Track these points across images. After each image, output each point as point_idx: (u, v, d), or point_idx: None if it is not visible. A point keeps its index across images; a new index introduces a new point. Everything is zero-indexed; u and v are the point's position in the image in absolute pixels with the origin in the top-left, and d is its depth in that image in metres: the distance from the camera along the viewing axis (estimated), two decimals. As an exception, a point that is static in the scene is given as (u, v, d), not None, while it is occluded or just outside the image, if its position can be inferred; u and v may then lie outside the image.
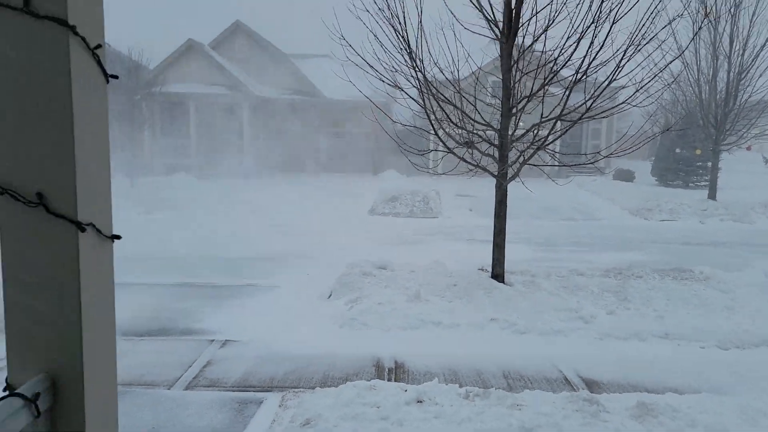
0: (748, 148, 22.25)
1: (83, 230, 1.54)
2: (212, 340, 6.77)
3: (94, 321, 1.63)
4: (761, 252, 12.93)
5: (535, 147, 8.44)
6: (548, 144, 8.41)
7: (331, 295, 8.67)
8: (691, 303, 7.82)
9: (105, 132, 1.74)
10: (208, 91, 26.41)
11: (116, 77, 1.88)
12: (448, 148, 8.74)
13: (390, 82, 8.88)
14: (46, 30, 1.46)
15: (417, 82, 8.64)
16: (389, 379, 5.69)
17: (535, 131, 8.43)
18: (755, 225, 17.48)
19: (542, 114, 8.04)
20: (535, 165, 8.65)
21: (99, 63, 1.66)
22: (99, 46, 1.61)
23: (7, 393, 1.46)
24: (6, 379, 1.57)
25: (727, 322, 7.18)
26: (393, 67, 8.76)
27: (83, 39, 1.53)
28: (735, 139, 20.01)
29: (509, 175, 8.74)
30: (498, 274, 8.79)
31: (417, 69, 8.49)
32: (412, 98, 8.97)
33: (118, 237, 1.78)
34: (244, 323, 7.42)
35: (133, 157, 22.29)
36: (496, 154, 8.75)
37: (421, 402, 4.64)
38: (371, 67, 8.73)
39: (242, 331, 7.12)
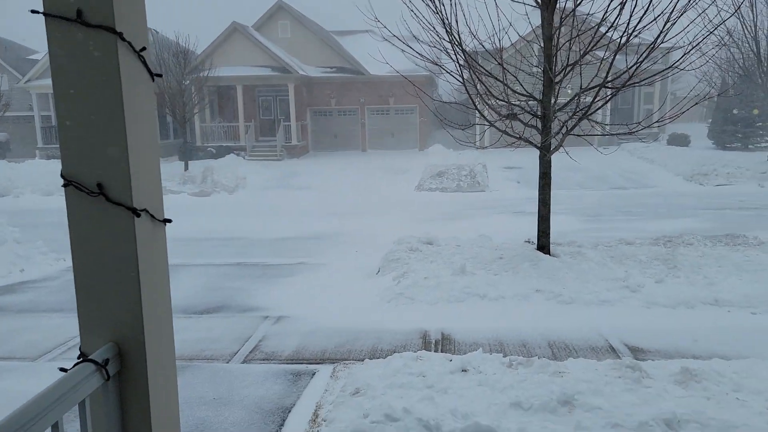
0: (813, 106, 21.00)
1: (138, 215, 1.73)
2: (266, 317, 7.09)
3: (151, 295, 1.84)
4: (826, 215, 12.35)
5: (578, 116, 8.31)
6: (592, 113, 8.26)
7: (378, 271, 8.87)
8: (744, 269, 7.62)
9: (154, 126, 1.93)
10: (254, 72, 26.85)
11: (160, 75, 2.06)
12: (488, 122, 8.71)
13: (430, 59, 8.87)
14: (97, 37, 1.63)
15: (456, 56, 8.60)
16: (435, 350, 5.85)
17: (578, 100, 8.28)
18: (821, 187, 16.65)
19: (581, 84, 7.88)
20: (578, 135, 8.52)
21: (144, 63, 1.84)
22: (144, 48, 1.78)
23: (81, 359, 1.68)
24: (79, 348, 1.79)
25: (783, 288, 6.98)
26: (433, 42, 8.75)
27: (129, 43, 1.70)
28: (798, 97, 18.97)
29: (552, 146, 8.65)
30: (543, 246, 8.77)
31: (456, 43, 8.45)
32: (451, 73, 8.94)
33: (169, 221, 1.97)
34: (295, 300, 7.72)
35: (185, 141, 23.01)
36: (539, 125, 8.66)
37: (465, 371, 4.78)
38: (412, 41, 8.74)
39: (294, 307, 7.41)
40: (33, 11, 1.65)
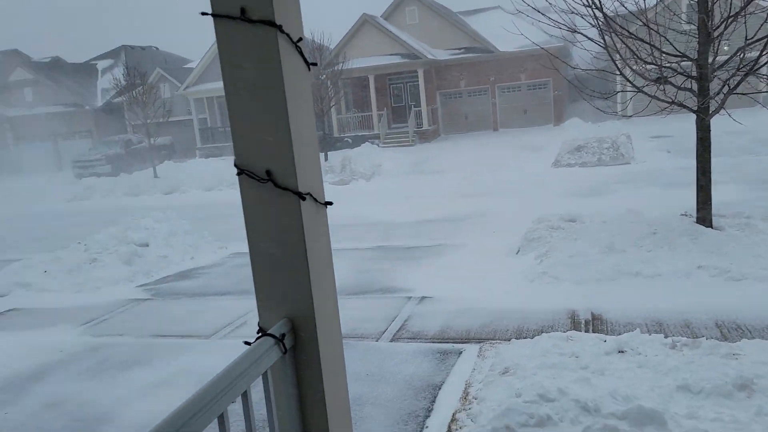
0: None
1: (303, 199, 1.84)
2: (410, 297, 7.25)
3: (318, 273, 1.95)
4: None
5: (744, 73, 7.43)
6: (760, 67, 7.35)
7: (519, 251, 8.68)
8: None
9: (311, 114, 2.04)
10: (384, 62, 27.33)
11: (315, 64, 2.17)
12: (637, 88, 8.09)
13: (566, 27, 8.42)
14: (259, 32, 1.75)
15: (596, 20, 8.08)
16: (586, 331, 5.62)
17: (742, 55, 7.41)
18: None
19: (746, 35, 7.02)
20: (744, 93, 7.64)
21: (301, 54, 1.94)
22: (300, 39, 1.88)
23: (260, 334, 1.82)
24: (258, 323, 1.95)
25: None
26: (568, 8, 8.29)
27: (288, 35, 1.80)
28: None
29: (712, 109, 7.83)
30: (704, 218, 8.00)
31: (594, 6, 7.93)
32: (591, 39, 8.42)
33: (330, 203, 2.08)
34: (437, 281, 7.80)
35: (324, 134, 24.10)
36: (695, 87, 7.88)
37: (622, 352, 4.54)
38: (545, 12, 8.35)
39: (436, 288, 7.49)
40: (203, 13, 1.81)
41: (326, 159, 22.73)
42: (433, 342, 5.79)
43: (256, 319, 1.88)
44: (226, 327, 6.88)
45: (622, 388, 3.80)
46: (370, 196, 16.47)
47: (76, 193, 23.61)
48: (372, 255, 9.66)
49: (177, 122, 33.45)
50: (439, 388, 4.73)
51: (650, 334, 4.89)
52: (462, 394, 4.51)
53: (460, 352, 5.42)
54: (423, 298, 7.18)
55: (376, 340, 5.96)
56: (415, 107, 27.90)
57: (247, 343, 1.77)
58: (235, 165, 1.85)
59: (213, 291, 8.50)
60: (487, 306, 6.61)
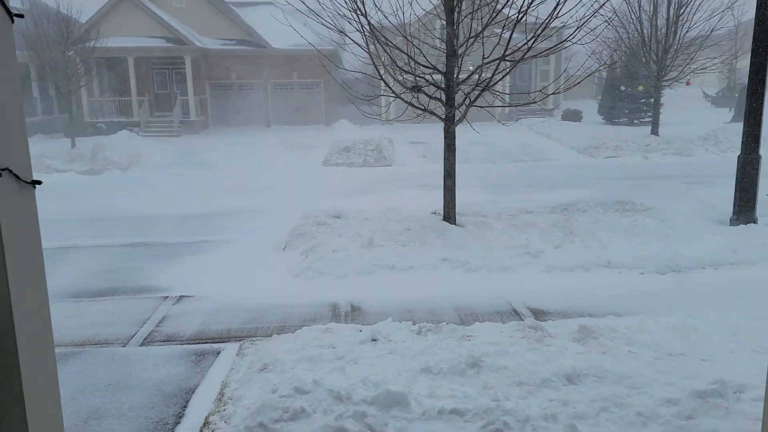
0: (688, 83, 22.83)
1: (-2, 175, 1.49)
2: (166, 297, 6.72)
3: (21, 270, 1.60)
4: (699, 182, 13.51)
5: (480, 88, 8.47)
6: (493, 85, 8.45)
7: (285, 247, 8.67)
8: (632, 233, 8.17)
9: (14, 75, 1.67)
10: (146, 44, 25.23)
11: (21, 16, 1.78)
12: (395, 93, 8.69)
13: (334, 28, 8.68)
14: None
15: (361, 26, 8.47)
16: (345, 322, 5.80)
17: (480, 72, 8.44)
18: (695, 157, 18.19)
19: (484, 55, 8.03)
20: (481, 107, 8.70)
21: (2, 2, 1.58)
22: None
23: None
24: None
25: (665, 249, 7.55)
26: (337, 11, 8.55)
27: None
28: (675, 75, 20.52)
29: (456, 118, 8.78)
30: (450, 217, 8.94)
31: (360, 13, 8.31)
32: (357, 43, 8.81)
33: (39, 182, 1.73)
34: (198, 279, 7.38)
35: (71, 117, 21.29)
36: (443, 98, 8.75)
37: (375, 340, 4.77)
38: (315, 14, 8.49)
39: (197, 286, 7.09)
40: None
41: (73, 145, 20.14)
42: (190, 344, 5.43)
43: None
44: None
45: (373, 374, 3.97)
46: (126, 187, 15.01)
47: None
48: (125, 252, 8.77)
49: None
50: (193, 392, 4.43)
51: (401, 322, 5.24)
52: (217, 395, 4.28)
53: (219, 352, 5.17)
54: (181, 297, 6.72)
55: (123, 346, 5.38)
56: (181, 96, 26.28)
57: None
58: None
59: None
60: (250, 303, 6.45)
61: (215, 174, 16.95)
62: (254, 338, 5.42)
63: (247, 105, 29.08)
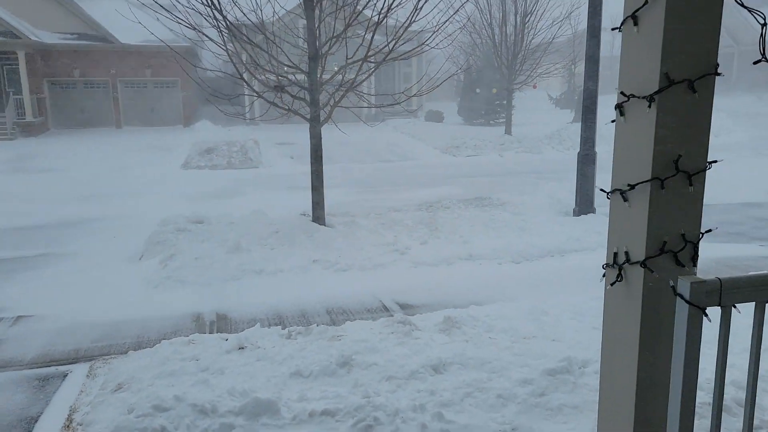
0: (534, 87, 24.84)
1: None
2: (0, 318, 5.97)
3: None
4: (547, 177, 14.69)
5: (344, 89, 8.51)
6: (356, 86, 8.53)
7: (142, 256, 8.10)
8: (490, 227, 8.66)
9: None
10: (-29, 36, 22.43)
11: None
12: (256, 93, 8.47)
13: (188, 25, 8.24)
14: None
15: (217, 23, 8.13)
16: (210, 332, 5.52)
17: (344, 73, 8.48)
18: (543, 154, 19.79)
19: (347, 56, 8.08)
20: (346, 107, 8.75)
21: None
22: None
23: None
24: None
25: (519, 240, 8.09)
26: (191, 7, 8.13)
27: None
28: (524, 78, 22.20)
29: (321, 118, 8.74)
30: (319, 217, 8.88)
31: (215, 9, 7.97)
32: (214, 41, 8.45)
33: None
34: (39, 296, 6.65)
35: None
36: (308, 98, 8.67)
37: (242, 348, 4.58)
38: (170, 9, 8.01)
39: (38, 304, 6.38)
40: None
41: None
42: (31, 368, 4.86)
43: None
44: None
45: (240, 383, 3.81)
46: (-50, 198, 13.17)
47: None
48: (-52, 271, 7.68)
49: None
50: (36, 421, 3.96)
51: (270, 327, 5.09)
52: (65, 422, 3.86)
53: (66, 375, 4.67)
54: (19, 318, 6.00)
55: (-54, 379, 4.68)
56: (15, 95, 23.63)
57: None
58: None
59: None
60: (102, 319, 5.92)
61: (59, 180, 15.44)
62: (107, 357, 4.97)
63: (94, 104, 26.87)
